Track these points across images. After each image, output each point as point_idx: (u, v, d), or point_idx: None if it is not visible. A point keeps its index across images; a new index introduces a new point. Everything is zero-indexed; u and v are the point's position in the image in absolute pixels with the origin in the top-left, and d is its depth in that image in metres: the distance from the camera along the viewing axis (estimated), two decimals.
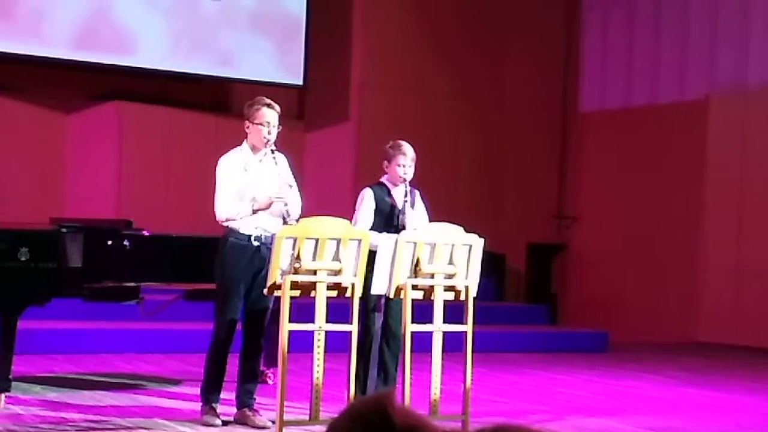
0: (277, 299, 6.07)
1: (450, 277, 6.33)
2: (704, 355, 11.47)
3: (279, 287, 5.92)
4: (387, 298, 6.53)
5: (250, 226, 6.33)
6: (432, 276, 6.28)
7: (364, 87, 13.12)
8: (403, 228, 6.61)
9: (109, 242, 6.79)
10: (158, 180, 12.11)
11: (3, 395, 6.46)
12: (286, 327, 5.89)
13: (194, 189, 10.35)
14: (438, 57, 13.42)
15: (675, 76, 13.36)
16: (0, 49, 11.17)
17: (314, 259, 5.97)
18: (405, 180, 6.75)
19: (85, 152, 12.07)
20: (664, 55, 13.49)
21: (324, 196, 10.96)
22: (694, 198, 12.97)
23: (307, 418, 6.10)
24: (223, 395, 6.41)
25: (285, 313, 5.89)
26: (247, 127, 6.44)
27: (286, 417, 5.97)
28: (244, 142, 6.47)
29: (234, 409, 6.42)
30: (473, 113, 13.70)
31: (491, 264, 11.07)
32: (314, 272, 5.99)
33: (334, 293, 6.07)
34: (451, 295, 6.36)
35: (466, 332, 6.35)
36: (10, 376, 6.45)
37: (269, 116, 6.38)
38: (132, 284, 7.06)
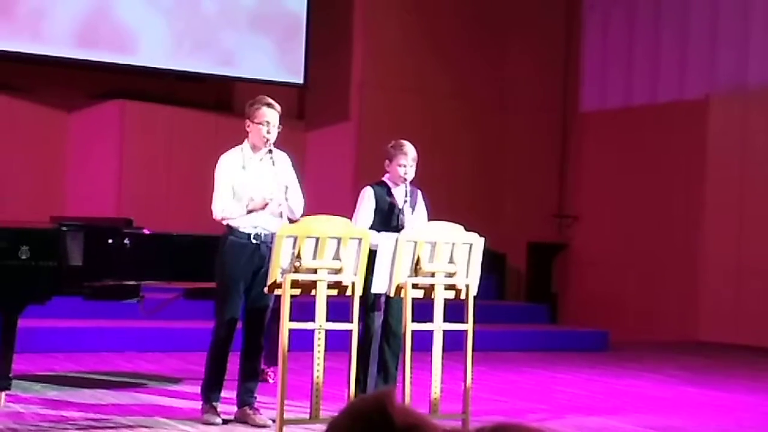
0: (278, 298, 6.08)
1: (450, 276, 6.34)
2: (704, 355, 11.47)
3: (279, 286, 5.93)
4: (387, 297, 6.54)
5: (249, 224, 6.34)
6: (432, 275, 6.29)
7: (365, 86, 13.12)
8: (403, 227, 6.61)
9: (110, 241, 6.80)
10: (159, 179, 12.11)
11: (3, 394, 6.47)
12: (286, 326, 5.90)
13: (195, 188, 10.34)
14: (438, 56, 13.43)
15: (675, 75, 13.36)
16: (1, 47, 11.18)
17: (315, 257, 5.98)
18: (405, 180, 6.76)
19: (86, 151, 12.08)
20: (664, 55, 13.49)
21: (324, 195, 10.96)
22: (694, 197, 12.97)
23: (307, 416, 6.10)
24: (223, 394, 6.42)
25: (285, 311, 5.89)
26: (248, 126, 6.45)
27: (286, 416, 5.97)
28: (245, 141, 6.48)
29: (234, 408, 6.43)
30: (473, 113, 13.71)
31: (492, 263, 11.08)
32: (315, 271, 6.00)
33: (334, 292, 6.08)
34: (451, 294, 6.37)
35: (466, 331, 6.36)
36: (11, 375, 6.45)
37: (269, 116, 6.39)
38: (132, 283, 7.06)
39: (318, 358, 6.00)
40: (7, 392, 6.50)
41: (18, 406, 6.53)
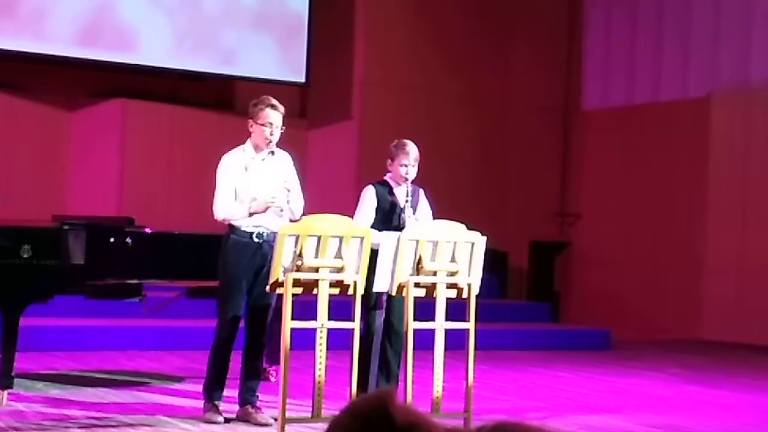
0: (280, 296, 6.08)
1: (452, 274, 6.34)
2: (706, 353, 11.47)
3: (281, 284, 5.93)
4: (389, 296, 6.54)
5: (251, 223, 6.34)
6: (434, 273, 6.29)
7: (367, 85, 13.12)
8: (404, 227, 6.61)
9: (112, 240, 6.80)
10: (161, 177, 12.11)
11: (5, 392, 6.47)
12: (288, 324, 5.90)
13: (197, 187, 10.33)
14: (441, 54, 13.42)
15: (677, 74, 13.36)
16: (3, 46, 11.18)
17: (316, 256, 5.98)
18: (407, 180, 6.75)
19: (88, 150, 12.08)
20: (666, 53, 13.48)
21: (326, 194, 10.97)
22: (696, 195, 12.97)
23: (309, 415, 6.11)
24: (225, 392, 6.42)
25: (287, 310, 5.89)
26: (251, 126, 6.44)
27: (288, 414, 5.97)
28: (247, 141, 6.47)
29: (236, 407, 6.43)
30: (476, 111, 13.70)
31: (494, 261, 11.07)
32: (316, 270, 6.00)
33: (336, 291, 6.08)
34: (453, 293, 6.37)
35: (468, 330, 6.36)
36: (13, 373, 6.46)
37: (273, 117, 6.38)
38: (134, 281, 7.07)
39: (320, 356, 6.00)
40: (10, 391, 6.51)
41: (20, 405, 6.53)
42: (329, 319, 6.04)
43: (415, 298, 6.24)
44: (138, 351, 9.34)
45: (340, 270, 6.05)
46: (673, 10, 13.45)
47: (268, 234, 6.31)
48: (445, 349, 6.35)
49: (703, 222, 12.89)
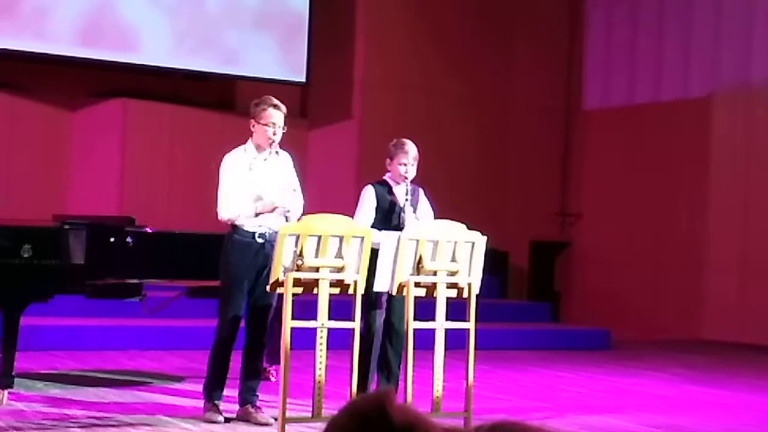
0: (280, 296, 6.08)
1: (453, 274, 6.33)
2: (708, 353, 11.46)
3: (282, 284, 5.93)
4: (389, 296, 6.54)
5: (254, 223, 6.34)
6: (434, 273, 6.28)
7: (367, 84, 13.12)
8: (404, 226, 6.61)
9: (112, 239, 6.80)
10: (162, 177, 12.12)
11: (6, 392, 6.47)
12: (288, 324, 5.90)
13: (198, 186, 10.35)
14: (441, 54, 13.42)
15: (678, 73, 13.35)
16: (4, 46, 11.19)
17: (317, 256, 5.98)
18: (406, 179, 6.75)
19: (89, 149, 12.08)
20: (667, 53, 13.48)
21: (326, 194, 10.98)
22: (698, 195, 12.96)
23: (309, 415, 6.10)
24: (225, 392, 6.42)
25: (287, 310, 5.89)
26: (253, 126, 6.44)
27: (288, 414, 5.97)
28: (249, 141, 6.47)
29: (236, 406, 6.42)
30: (477, 110, 13.70)
31: (494, 261, 11.07)
32: (317, 269, 6.00)
33: (336, 290, 6.07)
34: (453, 293, 6.36)
35: (468, 329, 6.36)
36: (13, 373, 6.46)
37: (275, 117, 6.38)
38: (135, 281, 7.06)
39: (320, 356, 6.00)
40: (10, 390, 6.51)
41: (20, 404, 6.53)
42: (329, 318, 6.04)
43: (416, 297, 6.24)
44: (138, 350, 9.34)
45: (340, 270, 6.05)
46: (674, 9, 13.45)
47: (270, 234, 6.30)
48: (446, 348, 6.34)
49: (704, 222, 12.89)
